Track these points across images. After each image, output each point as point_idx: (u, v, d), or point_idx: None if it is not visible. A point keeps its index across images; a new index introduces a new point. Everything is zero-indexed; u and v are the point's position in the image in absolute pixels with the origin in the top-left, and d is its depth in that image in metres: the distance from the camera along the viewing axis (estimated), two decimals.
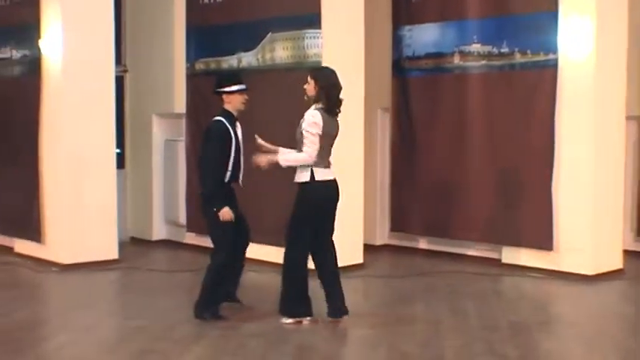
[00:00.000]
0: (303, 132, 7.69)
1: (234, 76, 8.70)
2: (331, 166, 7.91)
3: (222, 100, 8.17)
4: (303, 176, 7.76)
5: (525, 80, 10.40)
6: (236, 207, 8.13)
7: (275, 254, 10.20)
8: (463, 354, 7.09)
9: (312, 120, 7.70)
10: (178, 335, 7.61)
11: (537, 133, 10.25)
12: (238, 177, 8.14)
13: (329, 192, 7.90)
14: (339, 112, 7.91)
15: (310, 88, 7.84)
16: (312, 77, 7.87)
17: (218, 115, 8.12)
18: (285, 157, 7.81)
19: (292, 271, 7.87)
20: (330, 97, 7.78)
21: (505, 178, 10.55)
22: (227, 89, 8.13)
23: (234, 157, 8.03)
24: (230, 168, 8.01)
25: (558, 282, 9.90)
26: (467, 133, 10.91)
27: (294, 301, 7.91)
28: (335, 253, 8.10)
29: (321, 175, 7.78)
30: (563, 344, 7.61)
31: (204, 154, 8.12)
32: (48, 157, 10.95)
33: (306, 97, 7.90)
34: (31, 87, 11.07)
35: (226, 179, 8.02)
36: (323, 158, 7.77)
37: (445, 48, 11.14)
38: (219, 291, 8.15)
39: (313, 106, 7.81)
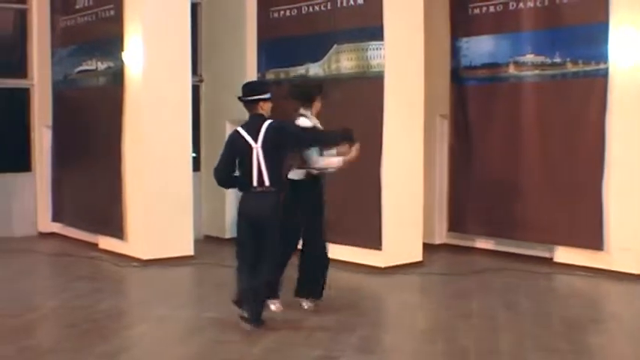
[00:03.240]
0: None
1: (269, 84, 8.66)
2: None
3: (256, 107, 7.69)
4: None
5: (577, 88, 10.23)
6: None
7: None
8: (516, 348, 6.99)
9: None
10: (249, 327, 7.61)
11: (588, 137, 10.09)
12: None
13: None
14: None
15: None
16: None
17: (263, 121, 7.60)
18: None
19: None
20: None
21: (558, 181, 10.39)
22: (266, 96, 7.71)
23: None
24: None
25: (608, 281, 9.72)
26: (521, 138, 10.78)
27: None
28: None
29: None
30: (613, 341, 7.46)
31: (308, 139, 7.84)
32: (130, 161, 11.05)
33: None
34: (114, 96, 11.19)
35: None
36: None
37: (500, 58, 11.03)
38: None
39: None
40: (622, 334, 7.65)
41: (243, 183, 7.61)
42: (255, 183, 7.47)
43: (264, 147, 7.45)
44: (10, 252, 11.61)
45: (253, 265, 7.49)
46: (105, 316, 8.13)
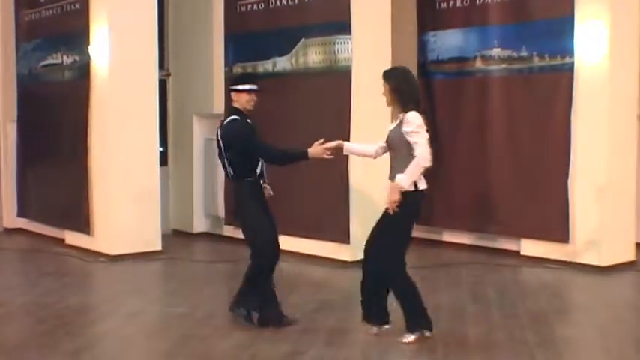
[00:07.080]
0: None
1: (247, 76, 8.30)
2: None
3: (231, 99, 7.60)
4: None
5: (543, 82, 10.34)
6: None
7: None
8: (485, 340, 7.06)
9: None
10: (219, 322, 7.63)
11: (554, 131, 10.19)
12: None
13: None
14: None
15: (385, 91, 7.15)
16: (384, 79, 7.11)
17: (231, 115, 7.56)
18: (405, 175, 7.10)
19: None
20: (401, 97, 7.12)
21: (525, 173, 10.49)
22: (236, 87, 7.52)
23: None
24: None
25: (573, 273, 9.82)
26: (488, 131, 10.88)
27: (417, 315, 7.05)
28: None
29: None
30: (579, 331, 7.57)
31: (256, 150, 7.43)
32: (96, 155, 11.01)
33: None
34: (80, 90, 11.14)
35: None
36: None
37: (467, 53, 11.12)
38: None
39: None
40: (587, 325, 7.76)
41: None
42: None
43: None
44: None
45: None
46: (73, 312, 8.12)
